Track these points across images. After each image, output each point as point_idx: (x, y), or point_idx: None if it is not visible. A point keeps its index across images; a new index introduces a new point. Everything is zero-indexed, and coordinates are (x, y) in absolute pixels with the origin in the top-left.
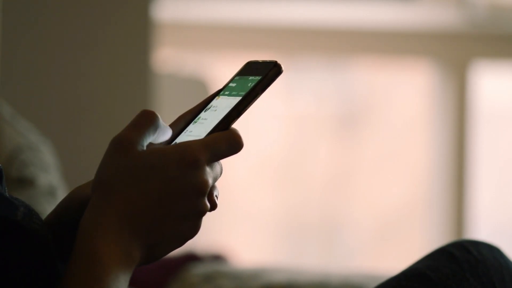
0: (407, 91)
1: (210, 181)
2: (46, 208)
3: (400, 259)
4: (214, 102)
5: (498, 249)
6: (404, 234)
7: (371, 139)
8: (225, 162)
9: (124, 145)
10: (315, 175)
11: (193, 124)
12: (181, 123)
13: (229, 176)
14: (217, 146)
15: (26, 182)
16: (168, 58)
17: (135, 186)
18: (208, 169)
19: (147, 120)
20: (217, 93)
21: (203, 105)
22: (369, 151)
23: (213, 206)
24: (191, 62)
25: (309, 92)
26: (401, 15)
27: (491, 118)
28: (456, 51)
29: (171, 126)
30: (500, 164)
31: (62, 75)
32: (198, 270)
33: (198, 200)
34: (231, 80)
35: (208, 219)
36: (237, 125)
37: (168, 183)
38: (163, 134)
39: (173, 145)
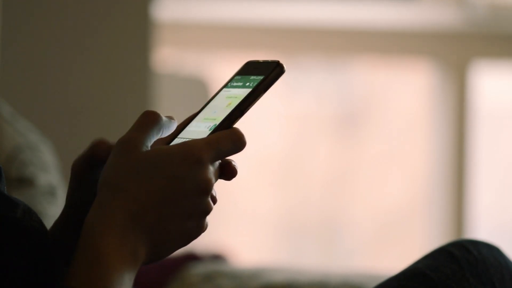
0: (407, 91)
1: (213, 180)
2: (46, 208)
3: (400, 259)
4: (215, 101)
5: (498, 248)
6: (404, 234)
7: (371, 139)
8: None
9: (130, 145)
10: (315, 175)
11: (195, 122)
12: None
13: None
14: (220, 144)
15: (25, 182)
16: (168, 58)
17: (140, 185)
18: (211, 168)
19: (150, 121)
20: (218, 92)
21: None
22: (369, 151)
23: (214, 203)
24: (191, 62)
25: (309, 92)
26: (401, 15)
27: (491, 118)
28: (456, 51)
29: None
30: (500, 164)
31: (62, 75)
32: (198, 270)
33: (202, 199)
34: (232, 79)
35: (208, 218)
36: (237, 124)
37: (172, 181)
38: (168, 129)
39: (177, 144)
